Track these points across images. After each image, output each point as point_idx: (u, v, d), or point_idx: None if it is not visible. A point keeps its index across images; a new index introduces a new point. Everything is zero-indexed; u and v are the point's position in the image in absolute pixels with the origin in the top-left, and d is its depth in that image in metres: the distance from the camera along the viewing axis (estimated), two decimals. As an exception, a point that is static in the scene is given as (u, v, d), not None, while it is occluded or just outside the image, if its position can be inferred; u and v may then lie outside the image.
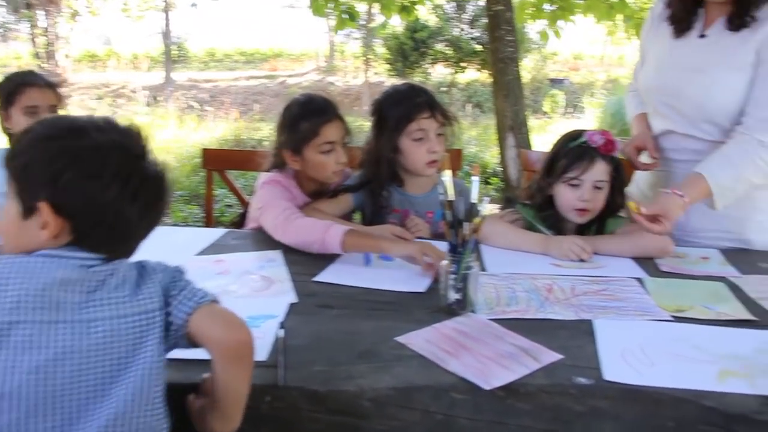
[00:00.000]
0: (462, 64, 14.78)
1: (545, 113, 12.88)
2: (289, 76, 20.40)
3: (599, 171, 1.82)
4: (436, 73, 15.82)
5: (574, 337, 1.29)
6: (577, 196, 1.83)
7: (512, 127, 5.30)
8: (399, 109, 1.99)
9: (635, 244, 1.79)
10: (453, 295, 1.40)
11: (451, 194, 1.44)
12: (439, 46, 14.80)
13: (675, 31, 1.93)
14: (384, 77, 16.68)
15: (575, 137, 1.85)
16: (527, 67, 14.59)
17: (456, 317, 1.38)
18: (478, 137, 9.64)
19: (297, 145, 1.96)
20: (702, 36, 1.88)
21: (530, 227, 1.91)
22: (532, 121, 10.60)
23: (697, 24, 1.90)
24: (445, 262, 1.41)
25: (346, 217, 2.14)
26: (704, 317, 1.38)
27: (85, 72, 18.17)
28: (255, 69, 22.99)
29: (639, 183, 2.16)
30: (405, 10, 6.53)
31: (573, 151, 1.84)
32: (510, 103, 5.26)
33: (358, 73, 18.84)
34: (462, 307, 1.40)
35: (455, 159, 2.54)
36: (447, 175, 1.48)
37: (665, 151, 2.00)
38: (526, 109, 5.58)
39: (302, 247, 1.77)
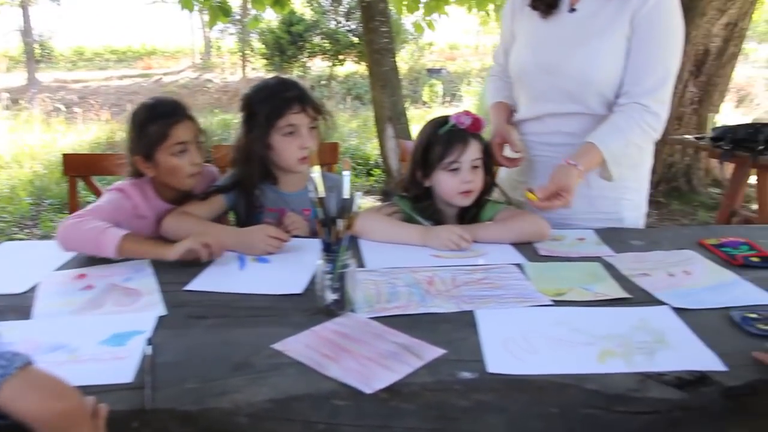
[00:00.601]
0: (340, 57, 14.77)
1: (425, 103, 13.09)
2: (165, 74, 19.78)
3: (474, 150, 1.83)
4: (316, 67, 15.72)
5: (457, 329, 1.26)
6: (460, 179, 1.82)
7: (391, 117, 5.31)
8: (268, 104, 1.91)
9: (513, 230, 1.79)
10: (330, 296, 1.34)
11: (321, 191, 1.37)
12: (317, 40, 14.70)
13: (542, 11, 1.96)
14: (263, 72, 16.42)
15: (442, 123, 1.85)
16: (404, 58, 14.78)
17: (335, 318, 1.32)
18: (359, 129, 9.64)
19: (148, 149, 1.85)
20: (572, 10, 1.91)
21: (409, 219, 1.88)
22: (412, 111, 10.75)
23: (563, 0, 1.93)
24: (320, 261, 1.35)
25: (220, 219, 2.04)
26: (583, 299, 1.39)
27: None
28: (128, 68, 22.20)
29: (510, 170, 2.18)
30: (278, 3, 6.40)
31: (445, 136, 1.83)
32: (387, 94, 5.26)
33: (236, 69, 18.48)
34: (341, 307, 1.34)
35: (331, 153, 2.48)
36: (316, 172, 1.41)
37: (539, 136, 2.03)
38: (405, 100, 5.60)
39: (81, 252, 1.71)
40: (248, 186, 1.99)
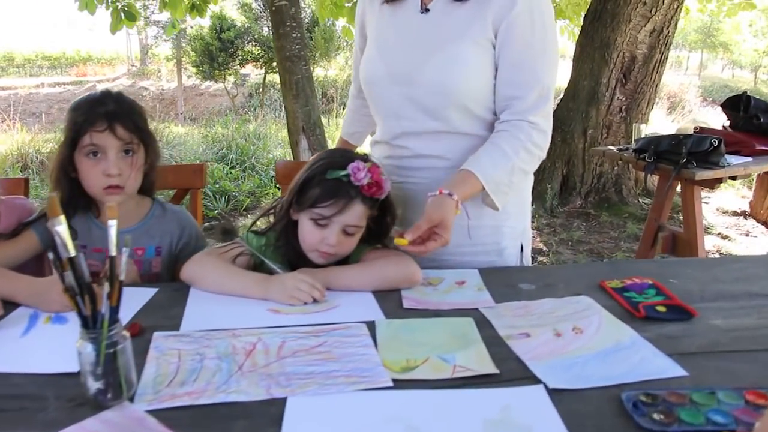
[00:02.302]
0: (273, 65, 14.34)
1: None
2: (99, 81, 19.18)
3: (354, 215, 1.48)
4: (254, 75, 15.29)
5: (257, 429, 0.93)
6: (322, 237, 1.48)
7: (304, 129, 4.97)
8: (76, 116, 1.55)
9: (375, 275, 1.47)
10: (94, 384, 0.99)
11: (71, 248, 1.01)
12: (249, 47, 14.23)
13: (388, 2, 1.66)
14: (199, 80, 15.96)
15: (339, 165, 1.48)
16: (339, 65, 14.45)
17: (102, 412, 0.97)
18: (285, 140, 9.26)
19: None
20: (425, 11, 1.60)
21: (259, 265, 1.53)
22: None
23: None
24: (78, 341, 1.00)
25: (34, 261, 1.67)
26: (437, 376, 1.07)
27: None
28: (62, 75, 21.53)
29: None
30: (195, 8, 6.03)
31: (329, 183, 1.47)
32: (301, 104, 4.92)
33: (172, 76, 17.99)
34: (113, 396, 0.99)
35: (195, 175, 2.13)
36: (112, 223, 1.05)
37: (397, 160, 1.71)
38: (319, 109, 5.26)
39: None
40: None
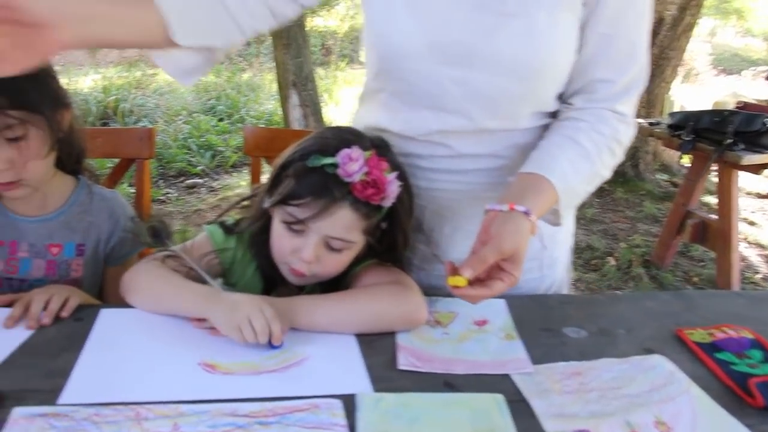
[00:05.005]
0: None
1: (362, 63, 12.24)
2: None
3: (339, 223, 1.02)
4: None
5: None
6: (293, 247, 1.04)
7: (295, 83, 4.46)
8: None
9: (364, 312, 1.03)
10: None
11: None
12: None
13: None
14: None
15: (327, 150, 1.02)
16: (340, 14, 13.79)
17: None
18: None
19: None
20: None
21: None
22: (348, 72, 9.90)
23: None
24: None
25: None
26: None
27: None
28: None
29: None
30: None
31: (307, 174, 1.02)
32: (292, 55, 4.41)
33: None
34: None
35: (141, 143, 1.67)
36: None
37: (432, 160, 1.20)
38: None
39: None
40: None
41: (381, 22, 1.16)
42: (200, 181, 5.15)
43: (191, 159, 5.54)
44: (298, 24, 4.50)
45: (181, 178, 5.16)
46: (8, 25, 0.79)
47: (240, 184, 4.95)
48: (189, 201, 4.70)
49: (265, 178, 1.20)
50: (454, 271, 0.92)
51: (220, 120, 6.95)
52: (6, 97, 1.06)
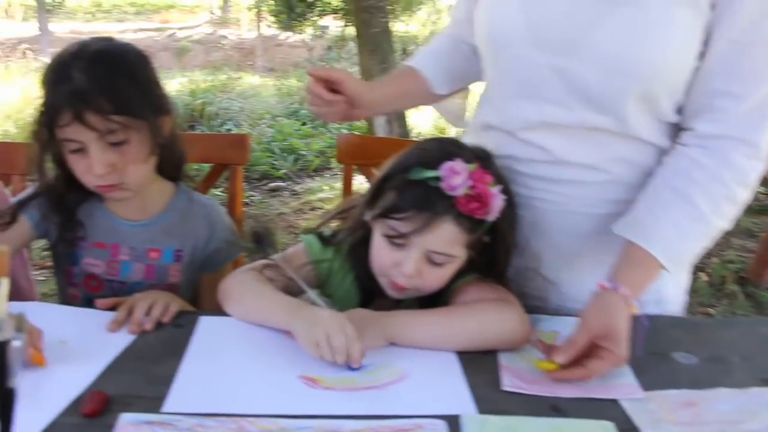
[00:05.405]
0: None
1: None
2: (180, 28, 19.24)
3: (441, 238, 1.00)
4: (335, 26, 14.82)
5: None
6: (395, 260, 1.03)
7: (380, 90, 4.47)
8: (47, 98, 1.12)
9: (465, 330, 1.01)
10: None
11: None
12: (330, -3, 13.66)
13: None
14: (278, 30, 15.69)
15: (430, 163, 1.00)
16: (422, 20, 13.77)
17: None
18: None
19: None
20: None
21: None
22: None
23: None
24: None
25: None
26: None
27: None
28: (146, 21, 21.83)
29: None
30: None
31: (410, 187, 1.01)
32: (377, 60, 4.41)
33: (253, 25, 17.86)
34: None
35: (233, 149, 1.69)
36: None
37: (528, 165, 1.15)
38: (394, 67, 4.75)
39: None
40: (53, 200, 1.24)
41: (489, 5, 1.16)
42: (283, 184, 5.22)
43: (274, 162, 5.63)
44: (384, 30, 4.50)
45: (264, 181, 5.25)
46: (334, 92, 1.19)
47: (322, 188, 4.99)
48: (272, 204, 4.78)
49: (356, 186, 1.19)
50: (546, 354, 0.94)
51: (303, 124, 7.04)
52: (110, 103, 1.07)
